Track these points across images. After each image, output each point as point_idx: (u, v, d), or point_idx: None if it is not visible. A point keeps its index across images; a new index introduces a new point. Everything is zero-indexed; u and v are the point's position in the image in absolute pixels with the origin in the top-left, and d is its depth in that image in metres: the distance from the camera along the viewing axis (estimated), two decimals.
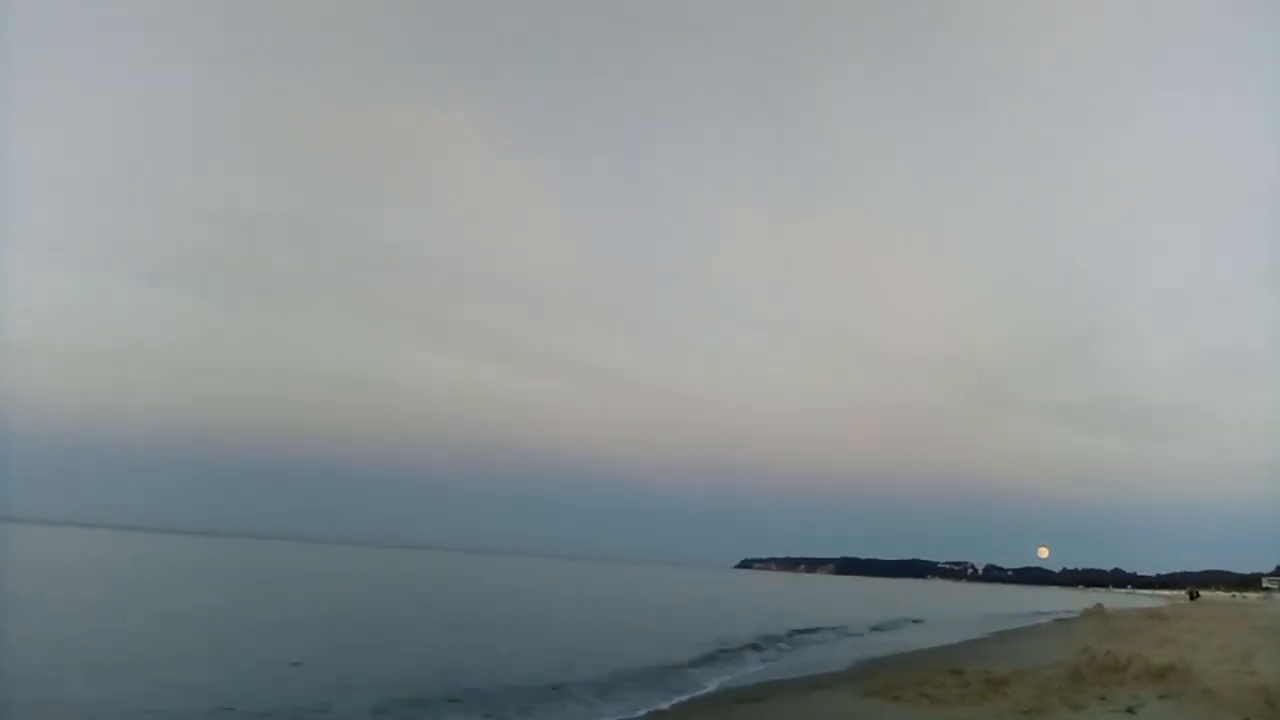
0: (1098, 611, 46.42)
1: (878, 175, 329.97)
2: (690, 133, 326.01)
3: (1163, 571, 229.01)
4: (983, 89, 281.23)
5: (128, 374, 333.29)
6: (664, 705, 14.14)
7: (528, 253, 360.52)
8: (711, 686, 16.83)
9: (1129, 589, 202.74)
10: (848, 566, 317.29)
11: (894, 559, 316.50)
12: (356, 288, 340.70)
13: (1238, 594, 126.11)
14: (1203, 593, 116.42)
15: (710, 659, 21.11)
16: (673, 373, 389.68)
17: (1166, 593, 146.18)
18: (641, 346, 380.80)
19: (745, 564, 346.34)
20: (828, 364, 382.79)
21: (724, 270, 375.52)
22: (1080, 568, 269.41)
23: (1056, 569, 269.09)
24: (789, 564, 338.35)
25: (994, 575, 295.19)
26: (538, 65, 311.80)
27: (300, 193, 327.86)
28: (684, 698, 15.17)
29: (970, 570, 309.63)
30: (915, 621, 44.47)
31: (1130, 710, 10.10)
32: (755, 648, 24.81)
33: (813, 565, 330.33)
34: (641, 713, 13.41)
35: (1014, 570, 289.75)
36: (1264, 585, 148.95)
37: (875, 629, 36.76)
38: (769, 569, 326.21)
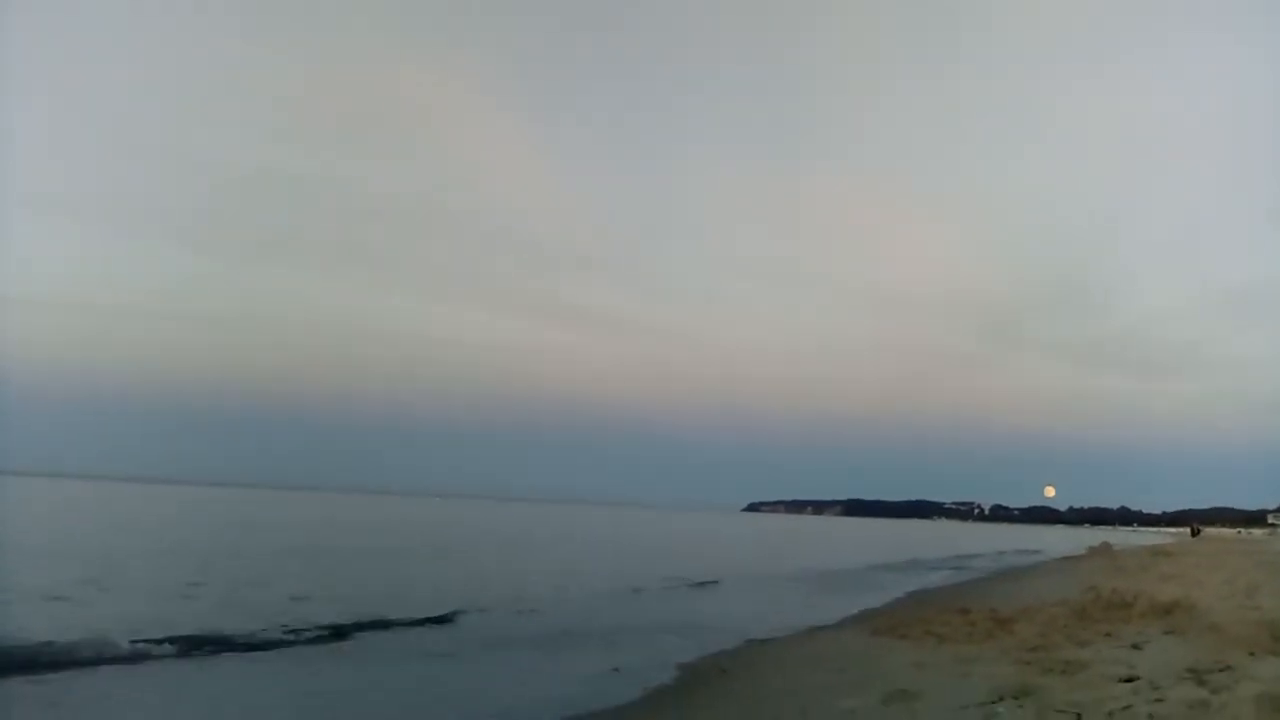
0: (1103, 549, 46.79)
1: (882, 119, 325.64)
2: (691, 84, 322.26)
3: (1169, 509, 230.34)
4: (989, 30, 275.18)
5: (133, 328, 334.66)
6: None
7: (530, 206, 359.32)
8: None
9: (1135, 527, 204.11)
10: (855, 508, 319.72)
11: (901, 500, 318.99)
12: (359, 242, 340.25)
13: (1243, 530, 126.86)
14: (1208, 529, 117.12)
15: None
16: (680, 321, 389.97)
17: (1172, 530, 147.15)
18: (648, 295, 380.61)
19: (752, 507, 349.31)
20: (833, 308, 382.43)
21: (729, 219, 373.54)
22: (1086, 506, 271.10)
23: (1063, 508, 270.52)
24: (796, 506, 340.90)
25: (1001, 515, 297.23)
26: (539, 20, 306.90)
27: (301, 148, 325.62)
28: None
29: (977, 510, 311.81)
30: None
31: (1136, 646, 10.18)
32: None
33: (820, 507, 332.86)
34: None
35: (1020, 509, 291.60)
36: (1269, 521, 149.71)
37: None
38: (776, 511, 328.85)
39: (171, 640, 12.16)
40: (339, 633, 13.91)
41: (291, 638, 13.42)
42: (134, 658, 11.48)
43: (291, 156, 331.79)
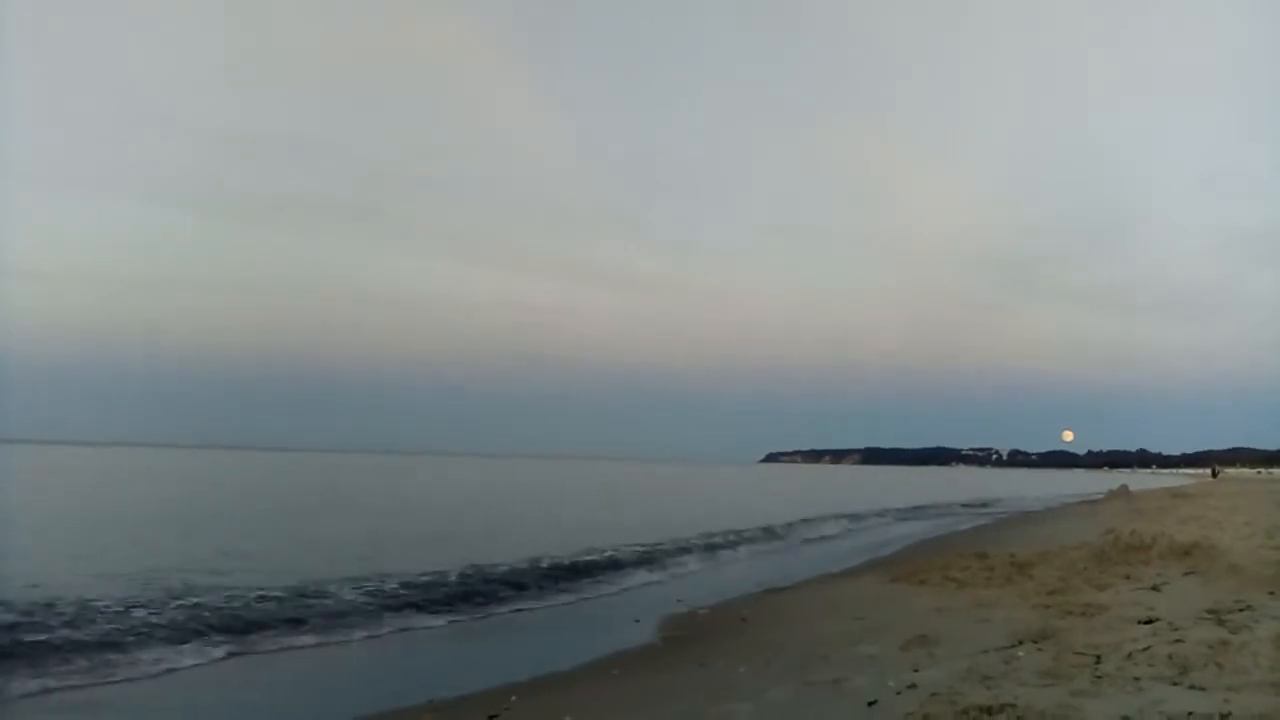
0: (1122, 492, 46.70)
1: (897, 69, 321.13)
2: (709, 39, 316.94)
3: (1188, 450, 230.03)
4: None
5: (144, 296, 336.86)
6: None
7: (545, 163, 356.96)
8: None
9: (1154, 469, 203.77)
10: (872, 456, 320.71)
11: (918, 447, 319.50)
12: (369, 205, 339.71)
13: (1263, 470, 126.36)
14: (1228, 470, 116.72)
15: None
16: (697, 274, 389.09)
17: (1191, 471, 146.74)
18: (667, 251, 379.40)
19: (771, 457, 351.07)
20: (850, 258, 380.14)
21: (747, 172, 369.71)
22: (1105, 449, 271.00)
23: (1081, 452, 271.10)
24: (814, 456, 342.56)
25: (1019, 460, 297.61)
26: None
27: (313, 111, 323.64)
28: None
29: (995, 456, 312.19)
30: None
31: (1155, 588, 10.20)
32: None
33: (837, 456, 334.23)
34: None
35: (1038, 454, 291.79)
36: None
37: None
38: (794, 461, 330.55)
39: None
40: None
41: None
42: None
43: (302, 120, 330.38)
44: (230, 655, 10.05)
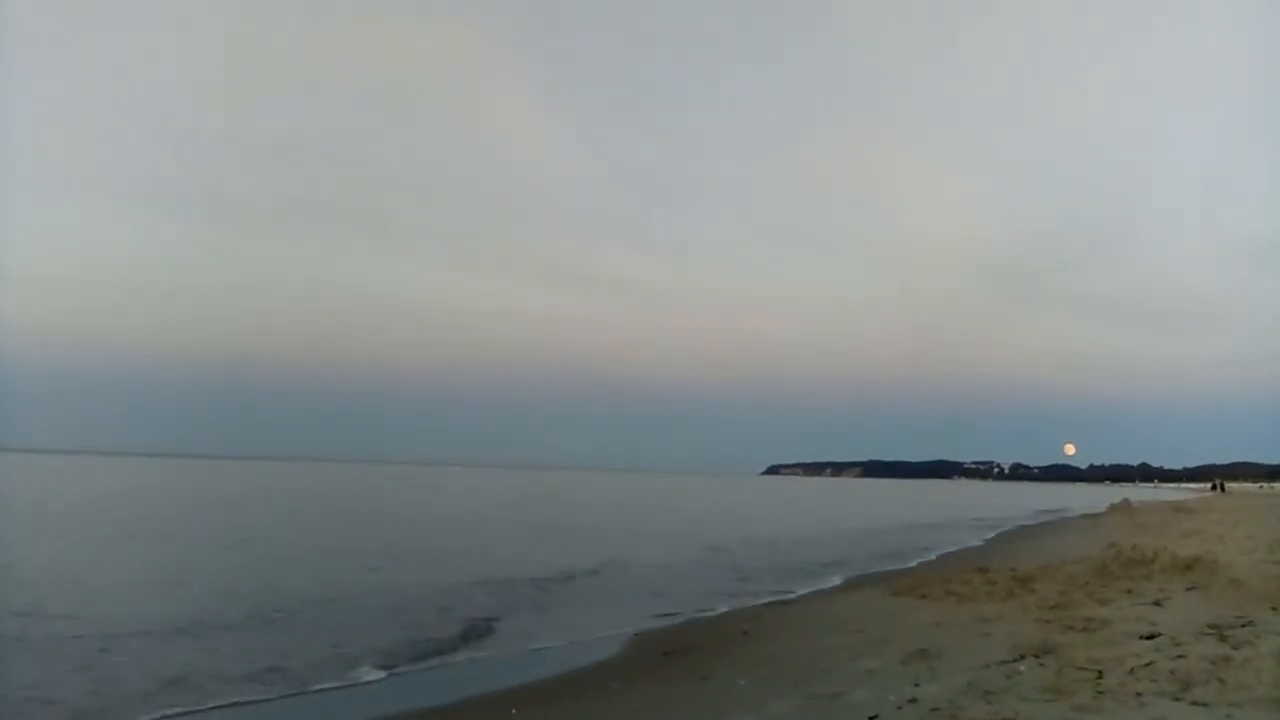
0: (1124, 506, 46.61)
1: (897, 76, 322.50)
2: (709, 47, 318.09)
3: (1190, 465, 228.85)
4: None
5: (142, 301, 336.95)
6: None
7: (547, 172, 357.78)
8: None
9: (1156, 483, 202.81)
10: (874, 469, 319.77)
11: (920, 460, 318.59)
12: (368, 210, 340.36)
13: (1265, 485, 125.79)
14: (1231, 485, 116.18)
15: None
16: (698, 285, 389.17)
17: (1194, 486, 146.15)
18: (667, 260, 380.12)
19: (772, 470, 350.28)
20: (851, 269, 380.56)
21: (747, 182, 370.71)
22: (1107, 464, 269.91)
23: (1083, 466, 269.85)
24: (815, 468, 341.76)
25: (1021, 473, 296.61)
26: None
27: (314, 119, 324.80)
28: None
29: (997, 469, 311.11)
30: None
31: (1157, 603, 10.17)
32: None
33: (839, 469, 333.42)
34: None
35: (1040, 468, 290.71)
36: None
37: None
38: (795, 474, 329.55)
39: None
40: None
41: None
42: None
43: (302, 125, 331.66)
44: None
